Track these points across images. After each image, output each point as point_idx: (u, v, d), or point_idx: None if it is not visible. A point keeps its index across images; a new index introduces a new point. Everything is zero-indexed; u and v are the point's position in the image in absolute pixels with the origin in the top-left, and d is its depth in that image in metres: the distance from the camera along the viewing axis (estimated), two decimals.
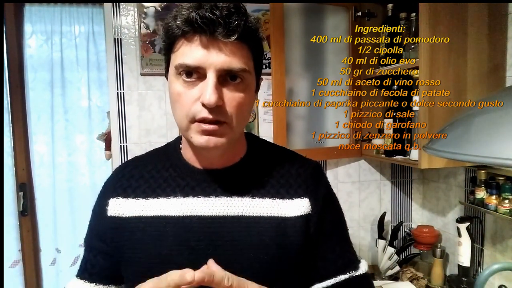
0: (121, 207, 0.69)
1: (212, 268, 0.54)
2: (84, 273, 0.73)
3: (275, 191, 0.69)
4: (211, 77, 0.58)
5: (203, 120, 0.59)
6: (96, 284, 0.72)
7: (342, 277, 0.70)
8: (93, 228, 0.74)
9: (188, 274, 0.51)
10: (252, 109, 0.71)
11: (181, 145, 0.74)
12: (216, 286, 0.53)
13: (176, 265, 0.63)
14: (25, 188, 1.91)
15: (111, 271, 0.72)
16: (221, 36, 0.57)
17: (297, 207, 0.68)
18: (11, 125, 1.86)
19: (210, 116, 0.59)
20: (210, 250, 0.64)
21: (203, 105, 0.58)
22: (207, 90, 0.57)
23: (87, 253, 0.75)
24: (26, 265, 1.92)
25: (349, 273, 0.71)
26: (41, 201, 1.97)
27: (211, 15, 0.56)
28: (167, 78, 0.66)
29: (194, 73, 0.59)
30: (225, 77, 0.60)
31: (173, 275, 0.52)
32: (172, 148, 0.75)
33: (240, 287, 0.55)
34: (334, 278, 0.70)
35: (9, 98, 1.85)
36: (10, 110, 1.86)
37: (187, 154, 0.71)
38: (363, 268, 0.73)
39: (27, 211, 1.92)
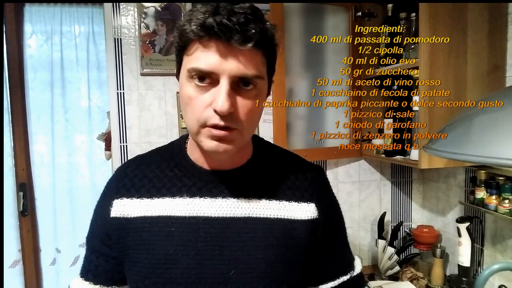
0: (125, 207, 0.69)
1: None
2: (88, 274, 0.73)
3: (282, 193, 0.70)
4: (224, 84, 0.57)
5: (214, 126, 0.59)
6: (100, 286, 0.72)
7: (344, 278, 0.75)
8: (94, 229, 0.74)
9: None
10: (262, 112, 0.71)
11: (186, 145, 0.73)
12: None
13: (182, 266, 0.64)
14: (25, 188, 1.91)
15: (113, 273, 0.72)
16: (237, 44, 0.55)
17: (303, 211, 0.70)
18: (11, 125, 1.86)
19: (222, 123, 0.58)
20: (217, 251, 0.65)
21: (215, 111, 0.57)
22: (220, 97, 0.57)
23: (90, 254, 0.74)
24: (26, 265, 1.92)
25: (350, 273, 0.76)
26: (41, 201, 1.97)
27: (228, 22, 0.54)
28: (178, 79, 0.65)
29: (207, 78, 0.58)
30: (238, 84, 0.59)
31: None
32: (177, 148, 0.74)
33: None
34: (337, 280, 0.74)
35: (9, 98, 1.85)
36: (10, 110, 1.86)
37: (195, 155, 0.70)
38: (359, 267, 0.79)
39: (27, 211, 1.91)
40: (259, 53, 0.60)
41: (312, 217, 0.70)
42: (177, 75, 0.65)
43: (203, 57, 0.57)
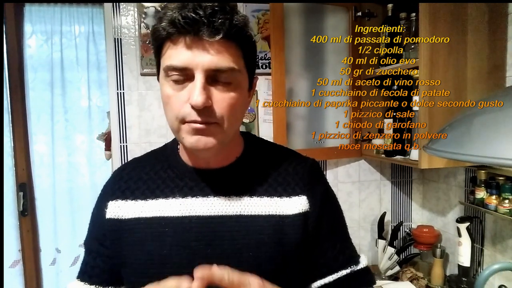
0: (120, 209, 0.70)
1: (209, 267, 0.54)
2: (84, 275, 0.74)
3: (273, 189, 0.69)
4: (198, 78, 0.57)
5: (193, 122, 0.59)
6: (96, 286, 0.72)
7: (344, 272, 0.72)
8: (92, 231, 0.75)
9: (184, 283, 0.52)
10: (246, 109, 0.69)
11: (178, 146, 0.74)
12: (217, 284, 0.53)
13: (175, 265, 0.64)
14: (25, 188, 1.91)
15: (110, 274, 0.72)
16: (205, 36, 0.55)
17: (295, 205, 0.69)
18: (11, 125, 1.86)
19: (199, 118, 0.58)
20: (209, 250, 0.65)
21: (192, 106, 0.57)
22: (194, 91, 0.57)
23: (87, 256, 0.75)
24: (26, 265, 1.92)
25: (351, 267, 0.72)
26: (41, 201, 1.97)
27: (194, 15, 0.55)
28: (158, 81, 0.65)
29: (182, 74, 0.58)
30: (214, 77, 0.59)
31: (171, 283, 0.53)
32: (170, 149, 0.75)
33: (241, 281, 0.55)
34: (336, 274, 0.71)
35: (9, 98, 1.85)
36: (10, 110, 1.86)
37: (184, 155, 0.71)
38: (363, 262, 0.75)
39: (27, 211, 1.91)
40: (232, 45, 0.59)
41: (303, 210, 0.68)
42: (158, 77, 0.65)
43: (175, 54, 0.58)
